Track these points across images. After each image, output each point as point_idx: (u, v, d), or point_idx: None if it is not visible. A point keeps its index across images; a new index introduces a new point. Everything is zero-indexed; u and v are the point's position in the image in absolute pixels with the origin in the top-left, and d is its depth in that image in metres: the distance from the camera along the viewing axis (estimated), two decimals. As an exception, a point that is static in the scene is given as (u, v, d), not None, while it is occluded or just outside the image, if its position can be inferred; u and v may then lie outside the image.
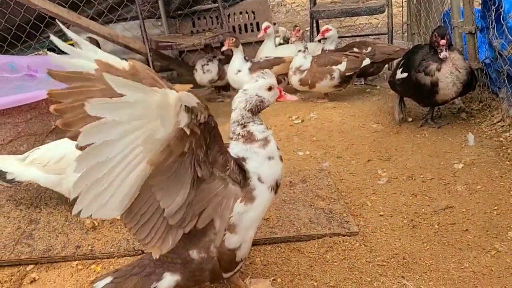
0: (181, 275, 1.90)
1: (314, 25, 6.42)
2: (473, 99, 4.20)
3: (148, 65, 5.35)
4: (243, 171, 1.87)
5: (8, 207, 3.03)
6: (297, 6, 10.39)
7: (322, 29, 5.05)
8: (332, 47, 4.99)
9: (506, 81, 3.69)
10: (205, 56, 5.48)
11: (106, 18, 6.21)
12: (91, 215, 1.56)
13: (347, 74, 4.56)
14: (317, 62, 4.58)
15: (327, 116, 4.30)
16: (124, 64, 1.67)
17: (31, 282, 2.36)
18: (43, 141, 3.85)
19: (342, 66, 4.54)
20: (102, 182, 1.50)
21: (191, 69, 5.67)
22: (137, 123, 1.45)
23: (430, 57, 3.57)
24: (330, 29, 4.97)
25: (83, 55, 1.78)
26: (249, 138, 1.91)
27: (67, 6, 5.65)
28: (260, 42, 5.74)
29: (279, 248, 2.45)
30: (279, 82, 4.94)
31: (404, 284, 2.14)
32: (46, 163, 2.78)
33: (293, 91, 5.08)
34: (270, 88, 1.94)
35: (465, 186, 2.94)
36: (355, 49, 4.99)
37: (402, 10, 6.88)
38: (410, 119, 4.08)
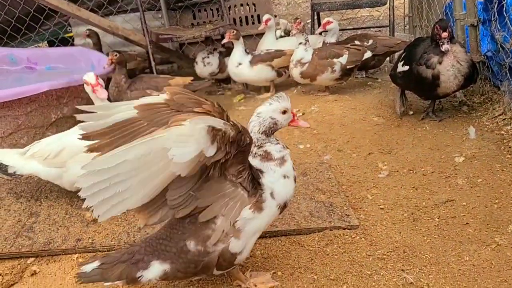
0: (171, 265, 1.90)
1: (315, 17, 6.40)
2: (475, 92, 4.18)
3: (148, 57, 5.34)
4: (255, 182, 1.91)
5: (8, 200, 3.03)
6: (298, -2, 10.34)
7: (323, 21, 5.02)
8: (333, 40, 4.97)
9: (508, 74, 3.67)
10: (205, 49, 5.45)
11: (106, 10, 6.18)
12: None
13: (348, 67, 4.54)
14: (318, 55, 4.56)
15: (328, 109, 4.28)
16: (162, 97, 1.83)
17: (32, 275, 2.36)
18: (43, 134, 3.85)
19: (343, 59, 4.52)
20: (119, 191, 1.63)
21: (192, 61, 5.65)
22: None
23: (431, 50, 3.55)
24: (331, 22, 4.94)
25: (115, 108, 1.91)
26: (266, 157, 1.97)
27: (66, -2, 5.63)
28: (261, 34, 5.71)
29: (280, 242, 2.46)
30: (280, 75, 4.98)
31: (404, 277, 2.14)
32: (47, 157, 2.78)
33: (294, 83, 5.08)
34: (284, 112, 1.99)
35: (465, 179, 2.94)
36: (357, 42, 4.97)
37: (404, 2, 6.84)
38: (411, 112, 4.06)
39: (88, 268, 1.91)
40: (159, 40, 5.33)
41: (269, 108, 1.97)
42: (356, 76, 5.15)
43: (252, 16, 6.30)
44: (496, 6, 3.75)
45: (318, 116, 4.18)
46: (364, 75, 5.33)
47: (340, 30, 5.86)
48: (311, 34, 5.91)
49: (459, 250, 2.31)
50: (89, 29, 5.50)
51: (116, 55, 4.29)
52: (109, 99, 2.87)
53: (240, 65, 4.91)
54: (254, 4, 6.28)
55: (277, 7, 10.28)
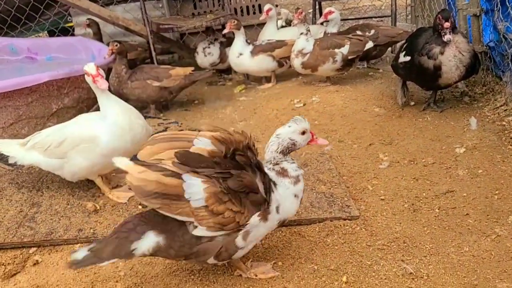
0: (166, 240, 1.91)
1: (317, 7, 6.36)
2: (476, 83, 4.17)
3: (149, 47, 5.32)
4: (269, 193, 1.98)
5: (10, 190, 3.04)
6: (299, -13, 10.26)
7: (324, 11, 5.00)
8: (334, 30, 4.95)
9: (510, 64, 3.65)
10: (206, 39, 5.43)
11: (106, 0, 6.15)
12: None
13: (349, 57, 4.52)
14: (319, 45, 4.53)
15: (329, 100, 4.27)
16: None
17: (34, 264, 2.38)
18: (44, 124, 3.85)
19: (344, 49, 4.49)
20: None
21: (193, 52, 5.63)
22: None
23: (433, 40, 3.53)
24: (333, 12, 4.92)
25: None
26: (282, 173, 2.05)
27: (66, -12, 5.60)
28: (262, 24, 5.68)
29: (280, 232, 2.47)
30: (281, 65, 4.96)
31: (404, 267, 2.15)
32: (48, 147, 2.78)
33: (295, 74, 5.07)
34: (303, 132, 2.07)
35: (466, 170, 2.94)
36: (358, 32, 4.94)
37: (406, -9, 6.80)
38: (412, 103, 4.05)
39: (78, 255, 1.89)
40: (159, 30, 5.31)
41: (288, 130, 2.05)
42: (357, 67, 5.14)
43: (253, 6, 6.26)
44: (499, -4, 3.73)
45: (319, 106, 4.17)
46: (365, 66, 5.31)
47: (341, 20, 5.83)
48: (312, 24, 5.88)
49: (459, 240, 2.32)
50: (89, 19, 5.48)
51: (116, 45, 4.28)
52: (109, 90, 2.86)
53: (241, 56, 4.89)
54: (255, -6, 6.24)
55: (279, -3, 10.21)
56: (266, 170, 2.04)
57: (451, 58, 3.47)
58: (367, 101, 4.18)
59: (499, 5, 3.75)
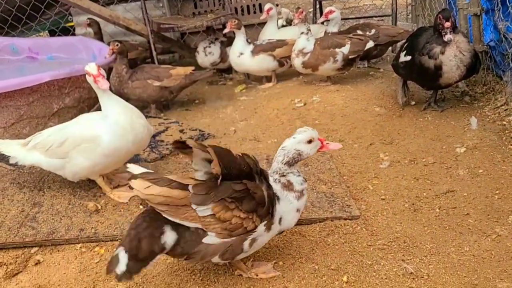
0: (177, 236, 1.91)
1: (317, 6, 6.36)
2: (477, 82, 4.17)
3: (150, 47, 5.33)
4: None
5: (11, 190, 3.05)
6: (300, -13, 10.26)
7: (325, 11, 5.00)
8: (335, 30, 4.95)
9: (511, 64, 3.65)
10: (207, 39, 5.44)
11: (107, 0, 6.15)
12: None
13: (350, 57, 4.52)
14: (320, 44, 4.53)
15: (329, 99, 4.28)
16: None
17: (36, 264, 2.39)
18: (45, 124, 3.86)
19: (345, 49, 4.50)
20: None
21: (193, 51, 5.63)
22: None
23: (434, 40, 3.54)
24: (334, 11, 4.92)
25: None
26: (288, 186, 2.06)
27: (67, -13, 5.60)
28: (262, 24, 5.68)
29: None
30: (282, 65, 4.96)
31: (405, 267, 2.16)
32: (49, 147, 2.79)
33: (296, 73, 5.07)
34: (310, 141, 2.06)
35: (467, 170, 2.94)
36: (359, 32, 4.94)
37: (407, -9, 6.79)
38: (413, 103, 4.06)
39: (121, 268, 1.84)
40: (160, 30, 5.32)
41: (293, 141, 2.05)
42: (358, 66, 5.14)
43: (253, 5, 6.26)
44: (499, -4, 3.73)
45: (320, 106, 4.17)
46: (366, 65, 5.31)
47: (342, 19, 5.83)
48: (313, 23, 5.88)
49: (460, 240, 2.32)
50: (90, 19, 5.48)
51: (117, 45, 4.28)
52: (111, 89, 2.87)
53: (241, 55, 4.89)
54: (256, -7, 6.24)
55: (279, -4, 10.21)
56: (272, 181, 2.05)
57: (451, 57, 3.47)
58: (367, 100, 4.18)
59: (499, 4, 3.75)
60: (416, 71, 3.68)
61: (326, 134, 3.65)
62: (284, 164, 2.05)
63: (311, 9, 6.53)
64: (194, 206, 1.86)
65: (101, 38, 5.49)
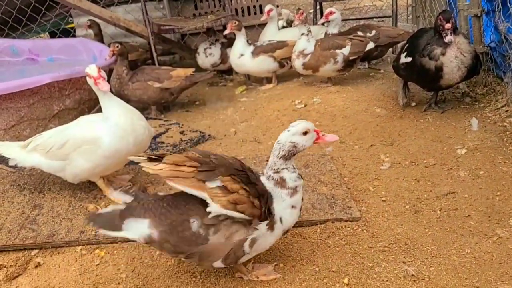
0: (163, 233, 1.93)
1: (318, 7, 6.35)
2: (478, 83, 4.17)
3: (150, 48, 5.33)
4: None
5: (12, 192, 3.04)
6: (300, -13, 10.26)
7: (325, 12, 5.00)
8: (335, 31, 4.95)
9: (511, 65, 3.64)
10: (207, 40, 5.44)
11: (107, 1, 6.16)
12: None
13: (351, 58, 4.52)
14: (320, 45, 4.53)
15: (330, 100, 4.27)
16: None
17: (36, 266, 2.38)
18: (46, 126, 3.86)
19: (346, 50, 4.50)
20: None
21: (194, 52, 5.63)
22: None
23: (434, 41, 3.53)
24: (334, 12, 4.92)
25: None
26: (280, 183, 2.02)
27: (68, -11, 5.60)
28: (263, 25, 5.68)
29: (282, 234, 2.47)
30: (282, 66, 4.96)
31: (406, 269, 2.15)
32: (49, 149, 2.79)
33: (296, 74, 5.07)
34: (305, 133, 2.01)
35: (467, 171, 2.94)
36: (359, 33, 4.94)
37: (407, -9, 6.79)
38: (413, 104, 4.05)
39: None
40: (160, 31, 5.32)
41: (288, 134, 2.01)
42: (358, 67, 5.14)
43: (254, 7, 6.26)
44: (500, -3, 3.72)
45: (320, 107, 4.17)
46: (366, 66, 5.31)
47: (342, 20, 5.83)
48: (313, 24, 5.88)
49: (461, 242, 2.32)
50: (90, 20, 5.48)
51: (117, 47, 4.28)
52: (111, 91, 2.86)
53: (242, 56, 4.89)
54: (256, -6, 6.24)
55: (279, -3, 10.21)
56: (264, 180, 2.03)
57: (452, 59, 3.47)
58: (368, 102, 4.18)
59: (500, 6, 3.75)
60: (417, 72, 3.67)
61: (326, 136, 3.64)
62: (280, 158, 2.00)
63: (312, 10, 6.53)
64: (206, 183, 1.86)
65: (101, 40, 5.49)
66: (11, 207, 2.86)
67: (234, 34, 4.92)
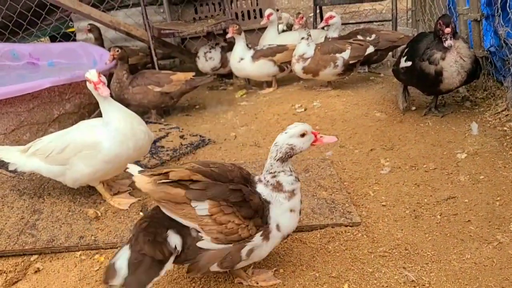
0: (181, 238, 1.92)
1: (318, 11, 6.36)
2: (478, 88, 4.17)
3: (150, 52, 5.33)
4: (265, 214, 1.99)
5: (11, 197, 3.04)
6: (300, -9, 10.28)
7: (325, 16, 5.00)
8: (335, 35, 4.95)
9: (511, 69, 3.64)
10: (207, 44, 5.44)
11: (108, 5, 6.17)
12: None
13: (351, 62, 4.52)
14: (320, 49, 4.54)
15: (330, 104, 4.28)
16: None
17: (35, 272, 2.38)
18: (45, 130, 3.86)
19: (346, 54, 4.50)
20: None
21: (194, 56, 5.64)
22: None
23: (434, 45, 3.53)
24: (334, 16, 4.92)
25: None
26: (277, 187, 2.01)
27: (68, -7, 5.61)
28: (263, 29, 5.69)
29: (281, 239, 2.46)
30: (282, 70, 4.96)
31: (406, 275, 2.15)
32: (50, 153, 2.79)
33: (296, 78, 5.07)
34: (303, 135, 2.01)
35: (468, 176, 2.93)
36: (359, 37, 4.95)
37: (407, -5, 6.80)
38: (413, 108, 4.05)
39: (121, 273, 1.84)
40: (161, 35, 5.32)
41: (285, 136, 2.00)
42: (358, 71, 5.14)
43: (254, 11, 6.27)
44: (499, 1, 3.72)
45: (320, 111, 4.17)
46: (366, 70, 5.31)
47: (342, 24, 5.84)
48: (313, 28, 5.89)
49: (461, 247, 2.31)
50: (90, 24, 5.49)
51: (118, 51, 4.29)
52: (111, 96, 2.86)
53: (242, 60, 4.90)
54: (256, -2, 6.25)
55: (279, 1, 10.23)
56: (261, 186, 2.02)
57: (452, 63, 3.47)
58: (368, 106, 4.18)
59: (499, 10, 3.75)
60: (417, 76, 3.68)
61: (326, 140, 3.64)
62: (277, 160, 1.99)
63: (312, 14, 6.54)
64: (193, 204, 1.86)
65: (102, 44, 5.50)
66: (11, 212, 2.85)
67: (234, 38, 4.93)
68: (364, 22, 7.19)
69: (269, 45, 5.04)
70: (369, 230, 2.51)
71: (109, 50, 4.61)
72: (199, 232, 1.90)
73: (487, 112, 3.77)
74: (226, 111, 4.63)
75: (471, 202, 2.67)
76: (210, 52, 5.38)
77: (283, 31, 6.63)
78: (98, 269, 2.35)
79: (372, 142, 3.55)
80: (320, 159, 3.33)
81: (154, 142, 3.76)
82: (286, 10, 8.76)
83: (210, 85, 5.55)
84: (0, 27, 5.99)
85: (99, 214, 2.77)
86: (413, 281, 2.11)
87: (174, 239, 1.90)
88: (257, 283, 2.14)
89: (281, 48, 4.94)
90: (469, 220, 2.52)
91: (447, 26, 3.39)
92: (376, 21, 7.35)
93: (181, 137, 3.96)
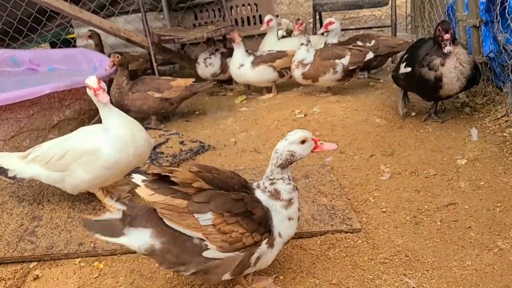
0: (162, 244, 1.92)
1: (317, 17, 6.38)
2: (477, 93, 4.17)
3: (150, 58, 5.34)
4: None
5: (11, 204, 3.03)
6: (300, -3, 10.31)
7: (325, 22, 5.01)
8: (335, 41, 4.96)
9: (511, 75, 3.65)
10: (207, 50, 5.45)
11: (108, 11, 6.18)
12: None
13: (350, 68, 4.53)
14: (320, 55, 4.55)
15: (330, 110, 4.28)
16: None
17: (34, 279, 2.37)
18: (45, 136, 3.85)
19: (345, 60, 4.51)
20: None
21: (193, 62, 5.64)
22: None
23: (434, 51, 3.54)
24: (333, 22, 4.93)
25: None
26: (275, 195, 2.02)
27: (68, 0, 5.63)
28: (262, 35, 5.70)
29: (282, 245, 2.45)
30: (282, 76, 4.97)
31: (406, 282, 2.14)
32: (49, 160, 2.78)
33: (296, 84, 5.08)
34: (303, 141, 2.02)
35: (468, 182, 2.93)
36: (359, 43, 4.96)
37: (406, 1, 6.82)
38: (413, 114, 4.05)
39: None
40: (160, 41, 5.33)
41: (285, 143, 2.01)
42: (358, 77, 5.14)
43: (254, 17, 6.28)
44: (498, 8, 3.74)
45: (320, 117, 4.17)
46: (366, 76, 5.32)
47: (342, 29, 5.85)
48: (313, 34, 5.90)
49: (462, 254, 2.30)
50: (91, 30, 5.50)
51: (117, 57, 4.29)
52: (111, 102, 2.86)
53: (242, 66, 4.91)
54: (256, 5, 6.26)
55: (279, 7, 10.26)
56: (259, 192, 2.03)
57: (451, 69, 3.47)
58: (368, 111, 4.18)
59: (498, 16, 3.76)
60: (416, 82, 3.68)
61: (326, 146, 3.64)
62: (277, 166, 2.00)
63: (311, 20, 6.56)
64: (196, 215, 1.86)
65: (102, 50, 5.51)
66: (10, 219, 2.85)
67: (232, 44, 4.94)
68: (364, 28, 7.20)
69: (269, 51, 5.05)
70: (370, 237, 2.50)
71: (109, 56, 4.62)
72: (203, 240, 1.89)
73: (487, 118, 3.77)
74: (226, 117, 4.63)
75: (472, 208, 2.66)
76: (210, 58, 5.39)
77: (283, 37, 6.64)
78: (97, 276, 2.35)
79: (372, 148, 3.55)
80: (320, 165, 3.32)
81: (154, 148, 3.75)
82: (285, 16, 8.78)
83: (210, 91, 5.55)
84: (0, 33, 6.00)
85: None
86: (413, 288, 2.10)
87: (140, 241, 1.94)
88: (257, 290, 2.14)
89: (281, 54, 4.94)
90: (469, 227, 2.51)
91: (446, 32, 3.40)
92: (375, 27, 7.37)
93: (181, 143, 3.96)
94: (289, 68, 4.80)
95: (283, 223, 2.01)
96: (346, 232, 2.54)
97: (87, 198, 3.03)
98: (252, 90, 5.39)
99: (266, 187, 2.02)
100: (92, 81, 2.69)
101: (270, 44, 5.39)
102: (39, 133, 3.87)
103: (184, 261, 1.92)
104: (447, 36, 3.39)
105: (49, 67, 5.26)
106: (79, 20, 5.36)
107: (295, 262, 2.33)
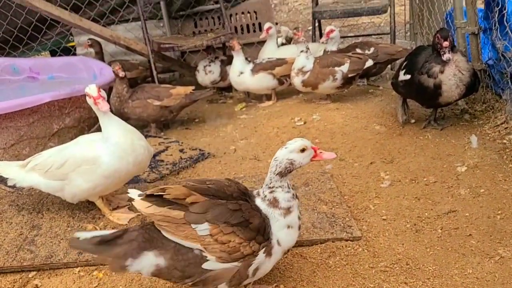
0: (167, 260, 1.90)
1: (316, 25, 6.40)
2: (476, 100, 4.17)
3: (150, 66, 5.36)
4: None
5: (10, 213, 3.03)
6: (299, 4, 10.36)
7: (326, 30, 5.02)
8: (334, 48, 4.98)
9: (510, 83, 3.66)
10: (207, 57, 5.46)
11: (108, 20, 6.21)
12: None
13: (350, 75, 4.54)
14: (319, 63, 4.56)
15: (329, 117, 4.28)
16: None
17: (34, 288, 2.36)
18: (45, 145, 3.85)
19: (345, 68, 4.52)
20: None
21: (193, 70, 5.66)
22: None
23: (433, 59, 3.55)
24: (334, 30, 4.95)
25: None
26: (273, 203, 2.02)
27: (68, 8, 5.66)
28: (262, 42, 5.72)
29: (282, 254, 2.45)
30: (281, 83, 4.97)
31: (407, 290, 2.13)
32: (49, 168, 2.78)
33: (296, 92, 5.09)
34: (303, 150, 2.02)
35: (468, 189, 2.93)
36: (358, 50, 4.97)
37: (405, 8, 6.84)
38: (413, 121, 4.05)
39: (85, 235, 1.94)
40: (160, 49, 5.35)
41: (285, 151, 2.01)
42: (357, 84, 5.16)
43: (253, 24, 6.31)
44: (497, 15, 3.75)
45: (320, 125, 4.17)
46: (365, 83, 5.33)
47: (341, 37, 5.87)
48: (312, 41, 5.92)
49: (462, 262, 2.30)
50: (91, 39, 5.52)
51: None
52: (111, 110, 2.87)
53: (242, 74, 4.92)
54: (255, 12, 6.29)
55: (278, 14, 10.29)
56: (259, 200, 2.03)
57: (451, 77, 3.48)
58: (367, 118, 4.18)
59: (497, 24, 3.78)
60: (416, 89, 3.69)
61: (326, 153, 3.63)
62: (276, 174, 2.00)
63: (310, 28, 6.58)
64: (193, 226, 1.86)
65: (102, 58, 5.52)
66: (9, 228, 2.84)
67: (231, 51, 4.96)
68: (363, 35, 7.22)
69: (269, 58, 5.06)
70: (370, 245, 2.50)
71: (109, 64, 4.63)
72: (202, 251, 1.89)
73: (486, 125, 3.77)
74: (225, 125, 4.64)
75: (472, 216, 2.66)
76: (210, 65, 5.40)
77: (282, 44, 6.66)
78: (96, 286, 2.33)
79: (372, 155, 3.55)
80: (320, 173, 3.32)
81: (154, 156, 3.75)
82: (285, 24, 8.81)
83: (210, 98, 5.56)
84: (0, 42, 6.02)
85: (98, 229, 2.76)
86: (414, 296, 2.09)
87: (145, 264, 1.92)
88: (258, 299, 2.13)
89: (281, 62, 4.96)
90: (470, 234, 2.50)
91: (445, 40, 3.41)
92: (374, 34, 7.39)
93: (181, 150, 3.96)
94: (288, 76, 4.81)
95: (282, 231, 2.00)
96: (347, 240, 2.53)
97: (86, 207, 3.02)
98: (252, 97, 5.40)
99: (265, 196, 2.02)
100: (92, 89, 2.69)
101: (270, 51, 5.40)
102: (39, 142, 3.87)
103: (190, 274, 1.92)
104: (446, 43, 3.40)
105: (49, 75, 5.28)
106: (79, 29, 5.38)
107: (295, 270, 2.32)
